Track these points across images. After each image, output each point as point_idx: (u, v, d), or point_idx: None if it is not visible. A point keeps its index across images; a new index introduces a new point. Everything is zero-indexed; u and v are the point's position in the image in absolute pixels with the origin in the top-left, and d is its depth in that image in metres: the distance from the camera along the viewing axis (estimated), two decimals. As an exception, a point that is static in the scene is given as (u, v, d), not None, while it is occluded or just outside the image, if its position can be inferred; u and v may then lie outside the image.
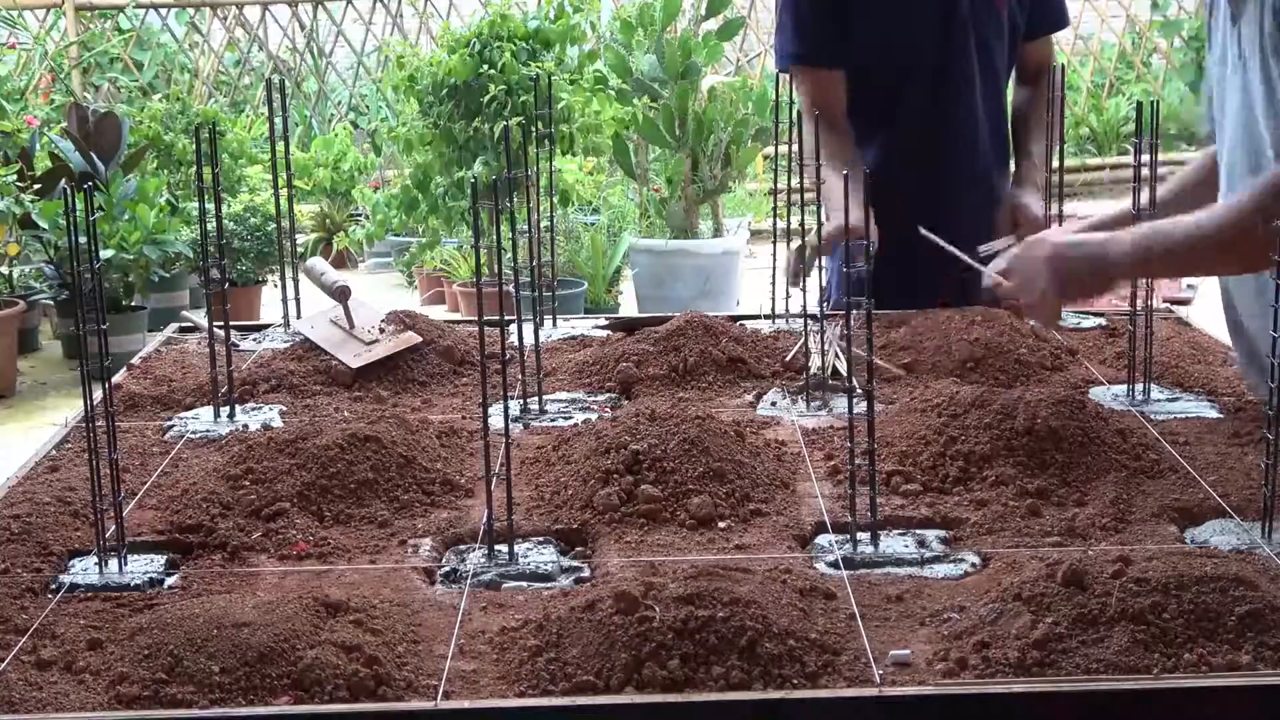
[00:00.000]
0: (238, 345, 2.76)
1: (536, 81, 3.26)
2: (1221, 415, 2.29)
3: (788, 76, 3.04)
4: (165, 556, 1.85)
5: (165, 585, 1.77)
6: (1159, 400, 2.35)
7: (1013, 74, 3.17)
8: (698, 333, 2.57)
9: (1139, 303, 2.35)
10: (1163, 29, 11.42)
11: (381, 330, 2.64)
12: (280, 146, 2.83)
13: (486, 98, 6.79)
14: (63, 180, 6.61)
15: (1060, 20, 3.20)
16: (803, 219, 2.55)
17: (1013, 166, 3.14)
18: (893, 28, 2.98)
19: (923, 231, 2.53)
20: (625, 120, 7.26)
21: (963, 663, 1.50)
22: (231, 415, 2.36)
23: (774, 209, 2.76)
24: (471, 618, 1.66)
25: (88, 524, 1.89)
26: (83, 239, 1.74)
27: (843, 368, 2.35)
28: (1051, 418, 2.04)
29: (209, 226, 2.40)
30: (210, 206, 2.39)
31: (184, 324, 2.96)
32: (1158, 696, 1.44)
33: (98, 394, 1.80)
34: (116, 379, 2.50)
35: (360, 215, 8.52)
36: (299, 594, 1.65)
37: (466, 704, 1.47)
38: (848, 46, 2.98)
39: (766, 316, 2.81)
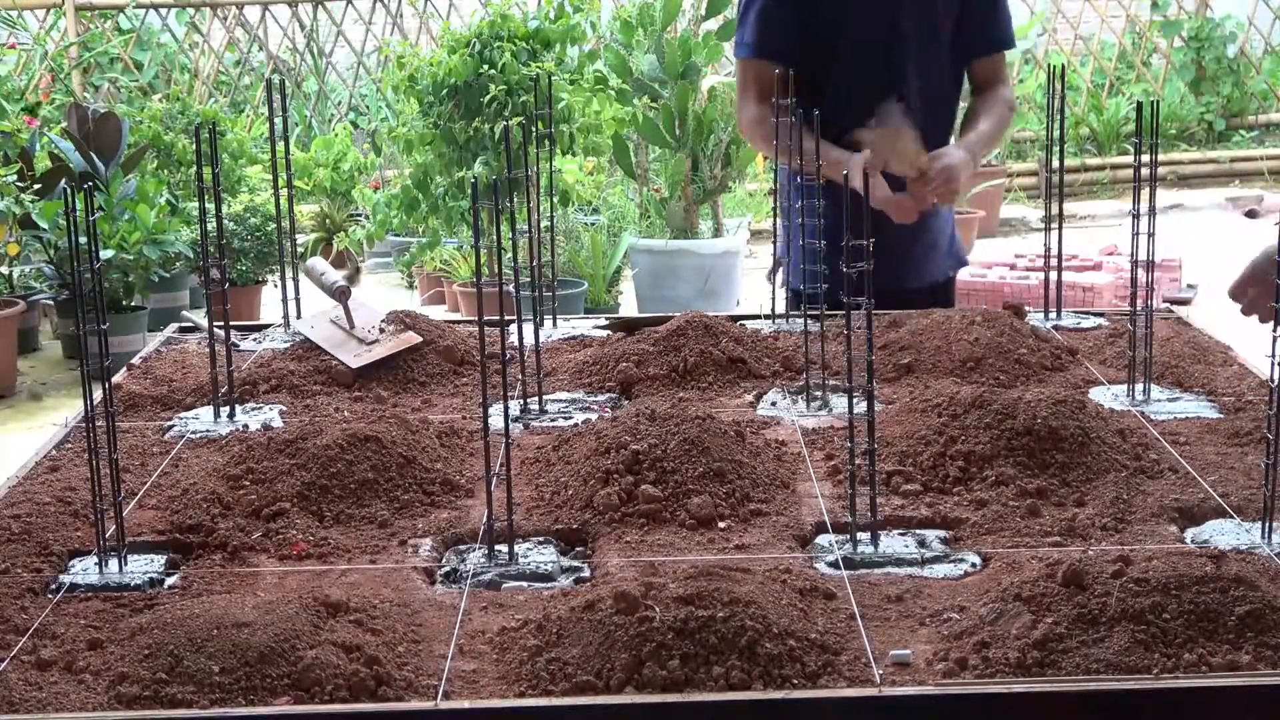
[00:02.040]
0: (238, 345, 2.76)
1: (536, 81, 3.26)
2: (1221, 415, 2.29)
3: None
4: (165, 556, 1.85)
5: (165, 585, 1.77)
6: (1159, 400, 2.35)
7: (963, 88, 3.22)
8: (698, 333, 2.57)
9: (1139, 303, 2.35)
10: (1163, 29, 11.41)
11: (381, 330, 2.64)
12: (280, 146, 2.83)
13: (486, 98, 6.78)
14: (63, 180, 6.61)
15: (999, 43, 3.21)
16: (802, 219, 2.55)
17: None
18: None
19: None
20: (625, 120, 7.26)
21: (963, 663, 1.50)
22: (231, 415, 2.36)
23: (774, 209, 2.75)
24: (471, 618, 1.66)
25: (88, 524, 1.89)
26: (83, 239, 1.74)
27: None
28: (1051, 418, 2.04)
29: (209, 226, 2.41)
30: (210, 206, 2.39)
31: (184, 324, 2.96)
32: (1158, 696, 1.44)
33: (98, 394, 1.80)
34: (116, 379, 2.50)
35: (360, 215, 8.52)
36: (299, 594, 1.65)
37: (466, 704, 1.47)
38: (795, 40, 3.04)
39: (766, 316, 2.81)
